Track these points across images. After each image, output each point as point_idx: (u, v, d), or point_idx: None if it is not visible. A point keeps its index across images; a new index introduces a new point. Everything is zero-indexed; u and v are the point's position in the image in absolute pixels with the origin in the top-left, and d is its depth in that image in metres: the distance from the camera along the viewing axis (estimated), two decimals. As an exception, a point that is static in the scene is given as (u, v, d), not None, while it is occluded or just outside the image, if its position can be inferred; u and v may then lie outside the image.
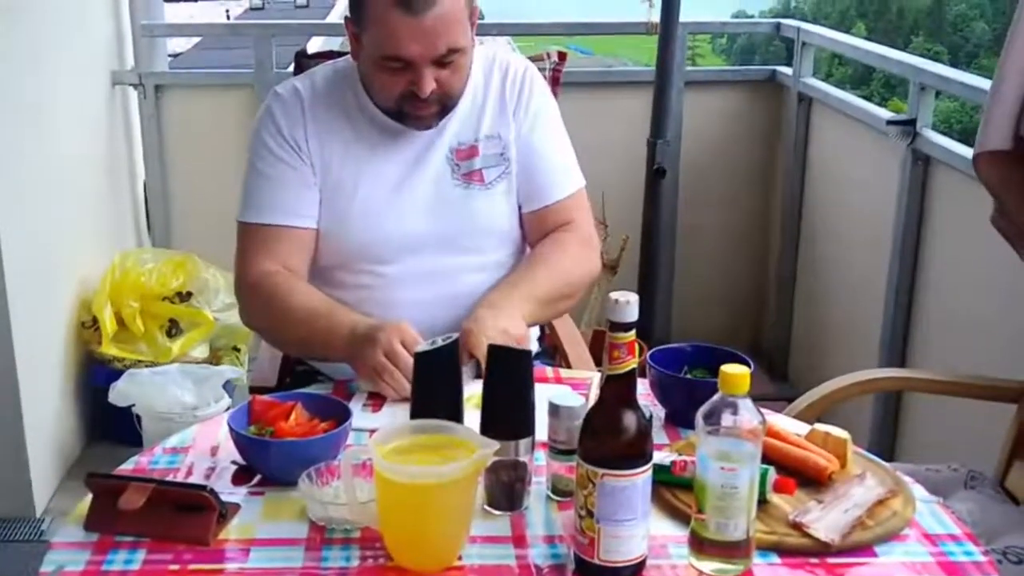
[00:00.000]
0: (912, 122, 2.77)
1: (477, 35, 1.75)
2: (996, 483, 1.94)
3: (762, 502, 1.26)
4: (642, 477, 1.16)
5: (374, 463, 1.19)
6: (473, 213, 1.80)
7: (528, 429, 1.33)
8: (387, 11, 1.63)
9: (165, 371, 3.00)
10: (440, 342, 1.39)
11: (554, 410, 1.33)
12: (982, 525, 1.72)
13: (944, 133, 2.76)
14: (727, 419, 1.15)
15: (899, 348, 2.88)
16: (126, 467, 1.43)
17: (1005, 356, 2.37)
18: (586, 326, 3.29)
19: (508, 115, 1.83)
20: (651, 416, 1.24)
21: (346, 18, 1.74)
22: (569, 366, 1.91)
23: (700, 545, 1.20)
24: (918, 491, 1.38)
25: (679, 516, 1.28)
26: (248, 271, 1.77)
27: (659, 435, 1.50)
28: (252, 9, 16.77)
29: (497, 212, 1.83)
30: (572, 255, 1.84)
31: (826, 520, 1.27)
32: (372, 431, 1.44)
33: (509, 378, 1.33)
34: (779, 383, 3.69)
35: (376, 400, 1.60)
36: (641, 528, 1.18)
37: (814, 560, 1.23)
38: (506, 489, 1.31)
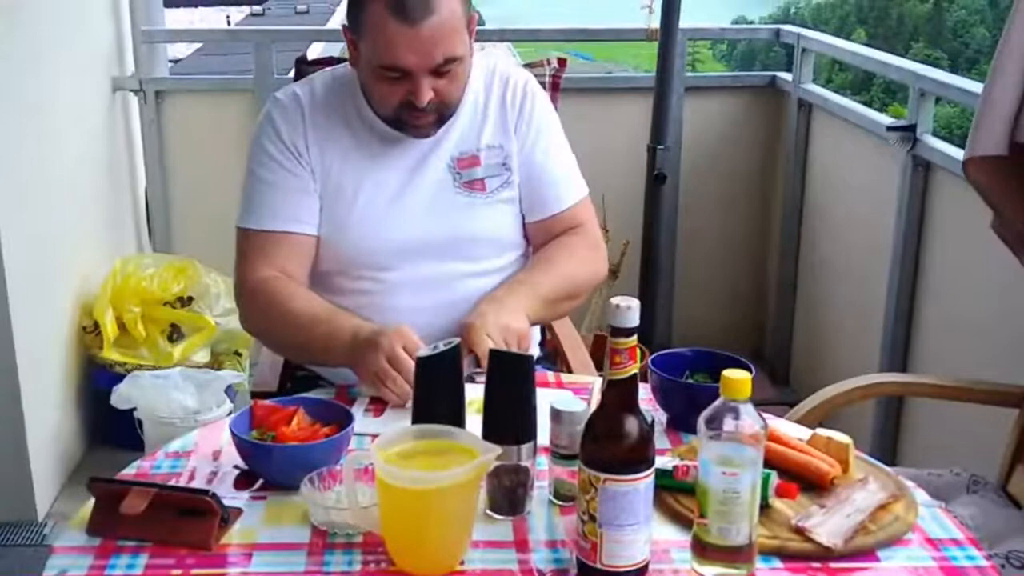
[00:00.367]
0: (912, 128, 2.77)
1: (477, 41, 1.75)
2: (998, 487, 1.94)
3: (764, 507, 1.26)
4: (644, 482, 1.16)
5: (376, 468, 1.19)
6: (475, 221, 1.80)
7: (530, 434, 1.33)
8: (384, 20, 1.62)
9: (167, 375, 3.00)
10: (442, 347, 1.39)
11: (556, 415, 1.33)
12: (984, 529, 1.72)
13: (944, 139, 2.76)
14: (729, 424, 1.16)
15: (900, 353, 2.87)
16: (128, 471, 1.43)
17: (1006, 360, 2.37)
18: (587, 330, 3.29)
19: (510, 128, 1.83)
20: (653, 421, 1.24)
21: (344, 26, 1.74)
22: (570, 371, 1.91)
23: (703, 550, 1.20)
24: (920, 496, 1.38)
25: (681, 521, 1.29)
26: (248, 277, 1.77)
27: (661, 440, 1.50)
28: (252, 15, 16.80)
29: (499, 221, 1.83)
30: (579, 257, 1.85)
31: (828, 525, 1.26)
32: (374, 436, 1.44)
33: (511, 383, 1.33)
34: (780, 388, 3.69)
35: (378, 405, 1.60)
36: (643, 533, 1.18)
37: (816, 565, 1.23)
38: (508, 494, 1.31)
